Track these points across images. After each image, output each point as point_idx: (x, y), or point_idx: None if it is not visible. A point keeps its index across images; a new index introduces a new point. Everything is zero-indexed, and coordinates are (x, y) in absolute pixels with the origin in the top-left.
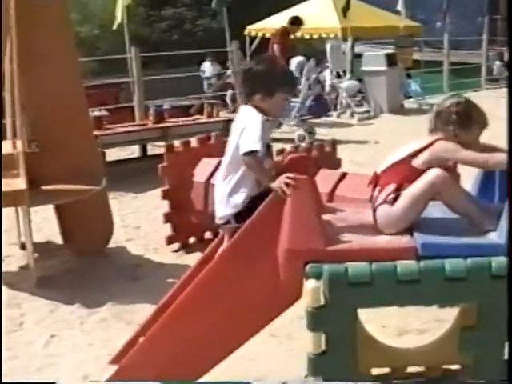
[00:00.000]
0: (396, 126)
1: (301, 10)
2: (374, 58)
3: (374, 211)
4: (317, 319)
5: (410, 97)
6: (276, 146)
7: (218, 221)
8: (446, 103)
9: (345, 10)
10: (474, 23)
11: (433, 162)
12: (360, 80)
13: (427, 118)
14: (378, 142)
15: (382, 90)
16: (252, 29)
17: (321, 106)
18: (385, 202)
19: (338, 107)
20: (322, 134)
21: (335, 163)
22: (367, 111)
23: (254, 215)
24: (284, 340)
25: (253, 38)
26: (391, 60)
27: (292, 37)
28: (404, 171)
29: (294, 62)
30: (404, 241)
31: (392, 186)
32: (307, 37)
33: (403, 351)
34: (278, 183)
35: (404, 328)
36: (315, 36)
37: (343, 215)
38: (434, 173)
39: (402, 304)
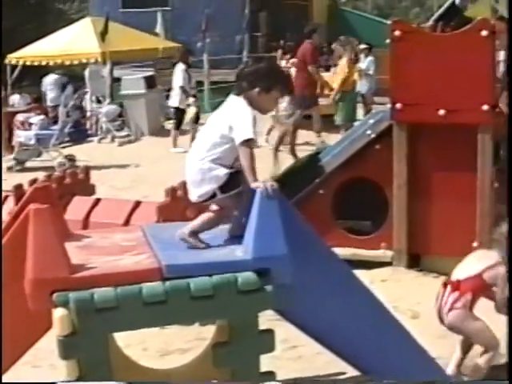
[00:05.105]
0: (157, 147)
1: (62, 35)
2: (133, 81)
3: (449, 311)
4: (67, 347)
5: (171, 118)
6: (35, 175)
7: (197, 199)
8: None
9: (103, 34)
10: (234, 41)
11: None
12: (121, 104)
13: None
14: (139, 165)
15: (141, 112)
16: (12, 57)
17: (80, 132)
18: (463, 307)
19: (99, 132)
20: (83, 160)
21: (89, 190)
22: (128, 135)
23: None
24: (48, 370)
25: (14, 67)
26: (150, 82)
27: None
28: (479, 283)
29: (50, 78)
30: (149, 262)
31: (469, 295)
32: (68, 63)
33: (164, 372)
34: (263, 184)
35: (166, 349)
36: (76, 62)
37: (91, 241)
38: None
39: (152, 325)
